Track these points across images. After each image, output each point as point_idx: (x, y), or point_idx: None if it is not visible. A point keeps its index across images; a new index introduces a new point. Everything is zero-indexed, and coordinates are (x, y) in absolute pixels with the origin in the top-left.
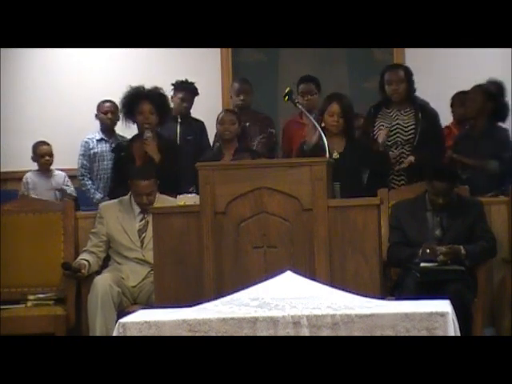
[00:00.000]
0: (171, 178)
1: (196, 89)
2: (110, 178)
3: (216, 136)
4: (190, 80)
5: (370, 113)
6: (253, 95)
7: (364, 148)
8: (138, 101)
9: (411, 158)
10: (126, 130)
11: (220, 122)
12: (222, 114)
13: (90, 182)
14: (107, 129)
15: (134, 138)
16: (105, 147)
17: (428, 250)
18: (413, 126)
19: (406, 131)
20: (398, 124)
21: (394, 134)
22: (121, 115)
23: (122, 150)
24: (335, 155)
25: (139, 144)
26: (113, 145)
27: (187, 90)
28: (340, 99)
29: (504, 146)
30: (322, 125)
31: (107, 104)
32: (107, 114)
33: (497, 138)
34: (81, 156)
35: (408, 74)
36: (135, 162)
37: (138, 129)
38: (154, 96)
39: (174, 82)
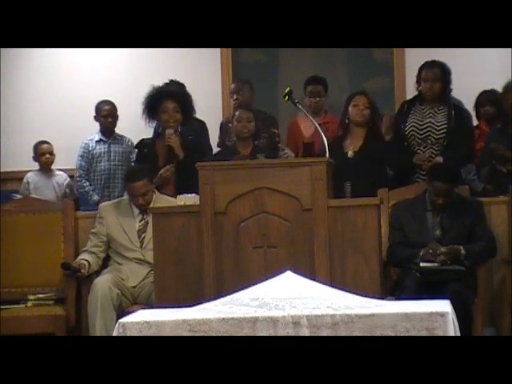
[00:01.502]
0: (193, 176)
1: (183, 85)
2: None
3: (221, 133)
4: (181, 81)
5: (404, 108)
6: (251, 94)
7: (386, 144)
8: (162, 99)
9: (439, 159)
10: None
11: (237, 119)
12: (239, 111)
13: (87, 184)
14: (107, 130)
15: (158, 135)
16: (103, 148)
17: (431, 251)
18: (445, 126)
19: (437, 130)
20: (430, 122)
21: (425, 132)
22: (143, 115)
23: (145, 147)
24: (350, 154)
25: (163, 142)
26: (111, 145)
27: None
28: (364, 93)
29: None
30: (347, 121)
31: (106, 107)
32: (107, 118)
33: None
34: (79, 157)
35: (445, 72)
36: (158, 159)
37: (157, 128)
38: (178, 95)
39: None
